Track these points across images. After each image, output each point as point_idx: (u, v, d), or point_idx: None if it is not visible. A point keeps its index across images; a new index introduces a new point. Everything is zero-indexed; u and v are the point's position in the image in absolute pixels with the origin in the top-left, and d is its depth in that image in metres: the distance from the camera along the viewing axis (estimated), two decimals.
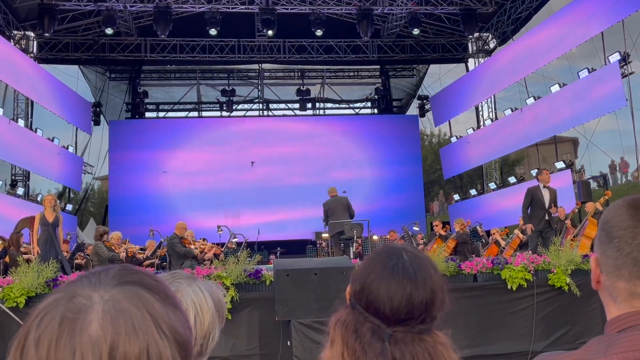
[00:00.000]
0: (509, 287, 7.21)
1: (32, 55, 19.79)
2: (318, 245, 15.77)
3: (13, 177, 19.17)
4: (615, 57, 14.59)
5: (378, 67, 24.10)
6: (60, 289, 0.71)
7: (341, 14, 19.29)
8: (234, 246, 13.88)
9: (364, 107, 25.49)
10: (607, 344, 1.05)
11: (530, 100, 18.21)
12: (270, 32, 17.92)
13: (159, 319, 0.68)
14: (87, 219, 24.33)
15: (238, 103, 23.95)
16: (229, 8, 17.77)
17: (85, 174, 21.96)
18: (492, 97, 21.60)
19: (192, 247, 11.56)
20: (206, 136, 21.82)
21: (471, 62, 22.71)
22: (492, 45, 21.89)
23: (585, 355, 1.07)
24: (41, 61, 20.06)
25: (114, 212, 20.64)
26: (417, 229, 15.59)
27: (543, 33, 17.27)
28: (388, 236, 15.20)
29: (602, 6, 14.79)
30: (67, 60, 20.81)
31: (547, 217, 9.74)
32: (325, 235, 13.88)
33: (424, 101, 23.73)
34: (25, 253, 10.41)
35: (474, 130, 21.77)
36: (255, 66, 23.42)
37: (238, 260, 7.28)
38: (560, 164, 17.23)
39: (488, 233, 15.02)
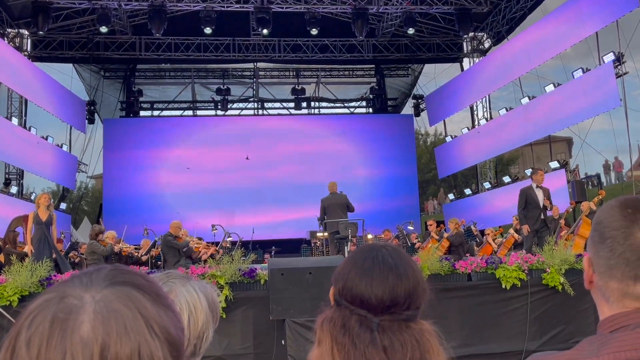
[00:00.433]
0: (503, 286, 7.22)
1: (26, 53, 19.69)
2: (312, 245, 15.76)
3: (7, 176, 19.09)
4: (609, 57, 14.63)
5: (373, 66, 24.11)
6: (51, 289, 0.71)
7: (336, 13, 19.28)
8: (228, 245, 13.86)
9: (359, 107, 25.50)
10: (600, 344, 1.05)
11: (525, 100, 18.25)
12: (265, 31, 17.91)
13: (151, 320, 0.68)
14: (82, 217, 24.26)
15: (233, 102, 23.93)
16: (224, 7, 17.74)
17: (79, 172, 21.89)
18: (487, 96, 21.65)
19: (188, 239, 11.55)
20: (201, 135, 21.79)
21: (466, 62, 22.75)
22: (486, 45, 21.93)
23: (577, 355, 1.07)
24: (35, 59, 19.98)
25: (108, 211, 20.58)
26: (411, 228, 15.60)
27: (537, 33, 17.32)
28: (383, 235, 15.21)
29: (596, 6, 14.84)
30: (62, 59, 20.74)
31: (542, 216, 9.77)
32: (320, 234, 13.86)
33: (419, 100, 23.75)
34: (20, 253, 10.37)
35: (468, 129, 21.81)
36: (250, 65, 23.39)
37: (232, 260, 7.27)
38: (554, 164, 17.28)
39: (482, 232, 15.05)
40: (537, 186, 9.87)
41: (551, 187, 10.70)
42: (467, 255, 11.85)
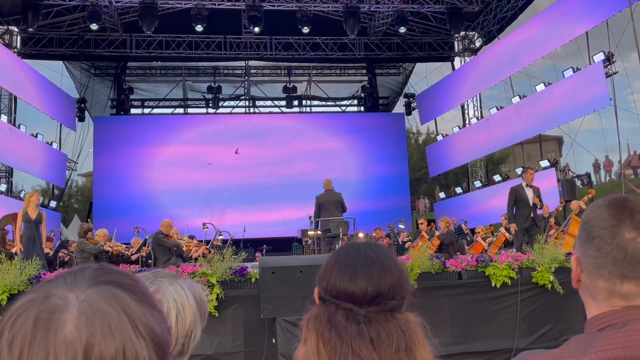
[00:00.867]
0: (493, 284, 7.25)
1: (15, 50, 19.56)
2: (304, 243, 15.74)
3: None
4: (599, 57, 14.71)
5: (364, 64, 24.14)
6: (35, 288, 0.70)
7: (328, 12, 19.28)
8: (219, 244, 13.83)
9: (350, 105, 25.52)
10: (587, 343, 1.06)
11: (516, 99, 18.32)
12: (256, 29, 17.88)
13: (136, 319, 0.67)
14: (72, 215, 24.16)
15: (224, 100, 23.89)
16: (215, 4, 17.69)
17: (69, 170, 21.78)
18: (478, 95, 21.72)
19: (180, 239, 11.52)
20: (192, 133, 21.74)
21: (457, 61, 22.81)
22: (477, 44, 22.00)
23: (565, 353, 1.07)
24: (25, 56, 19.83)
25: (99, 209, 20.50)
26: (402, 226, 15.64)
27: (528, 32, 17.39)
28: (374, 234, 15.23)
29: (586, 6, 14.92)
30: (52, 56, 20.61)
31: (532, 215, 9.81)
32: (311, 232, 13.86)
33: (410, 99, 23.81)
34: (8, 252, 10.31)
35: (459, 128, 21.87)
36: (242, 63, 23.35)
37: (223, 258, 7.26)
38: (544, 163, 17.37)
39: (473, 231, 15.10)
40: (528, 185, 9.92)
41: (541, 186, 10.75)
42: (458, 253, 11.89)
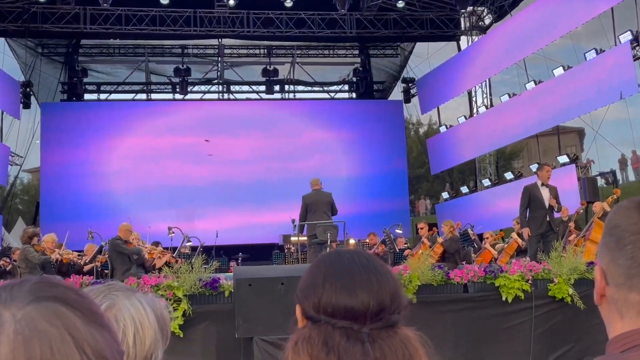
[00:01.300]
0: (503, 298, 7.28)
1: None
2: (286, 251, 15.75)
3: None
4: (626, 37, 14.82)
5: (357, 44, 24.19)
6: None
7: None
8: (187, 251, 13.81)
9: (340, 91, 25.59)
10: None
11: (531, 85, 18.44)
12: (231, 2, 17.85)
13: (82, 341, 0.67)
14: (15, 218, 23.99)
15: (194, 84, 23.88)
16: None
17: (12, 165, 21.62)
18: (487, 80, 21.83)
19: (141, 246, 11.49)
20: (156, 122, 21.68)
21: (463, 41, 22.93)
22: (487, 21, 22.10)
23: None
24: None
25: (47, 211, 20.40)
26: (400, 231, 15.66)
27: (545, 8, 17.48)
28: (367, 240, 15.25)
29: None
30: None
31: (548, 219, 9.85)
32: (294, 239, 13.86)
33: (410, 85, 23.89)
34: None
35: (465, 118, 21.99)
36: (214, 42, 23.30)
37: (192, 268, 7.23)
38: (563, 158, 17.49)
39: (481, 237, 15.18)
40: (543, 184, 9.97)
41: (559, 185, 10.82)
42: (463, 263, 11.94)
